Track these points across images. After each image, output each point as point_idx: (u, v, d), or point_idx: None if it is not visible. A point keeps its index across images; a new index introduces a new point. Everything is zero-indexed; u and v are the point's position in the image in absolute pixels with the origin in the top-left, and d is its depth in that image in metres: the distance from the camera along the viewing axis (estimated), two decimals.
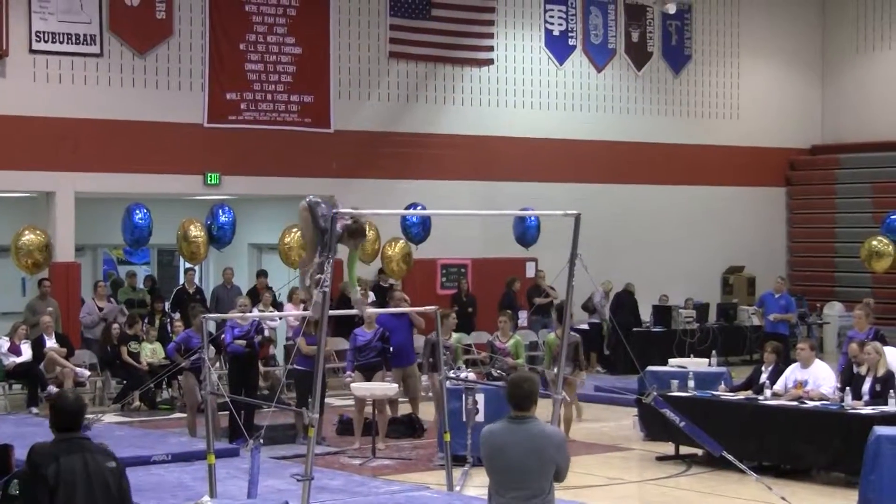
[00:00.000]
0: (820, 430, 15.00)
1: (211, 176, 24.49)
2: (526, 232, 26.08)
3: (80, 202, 23.47)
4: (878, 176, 31.33)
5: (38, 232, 21.75)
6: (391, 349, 18.09)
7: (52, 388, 20.94)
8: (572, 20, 29.15)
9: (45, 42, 22.86)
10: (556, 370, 14.15)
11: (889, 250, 27.99)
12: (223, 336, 17.69)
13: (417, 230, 25.00)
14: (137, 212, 22.59)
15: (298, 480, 11.37)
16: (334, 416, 19.00)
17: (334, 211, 11.78)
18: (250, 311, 18.65)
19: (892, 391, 15.02)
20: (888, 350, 15.73)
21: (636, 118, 30.00)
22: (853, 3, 32.65)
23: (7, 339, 20.95)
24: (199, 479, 13.61)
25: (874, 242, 28.15)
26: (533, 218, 25.54)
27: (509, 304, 24.46)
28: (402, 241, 25.03)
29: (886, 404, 14.87)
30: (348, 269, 12.69)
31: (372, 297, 23.54)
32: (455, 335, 18.55)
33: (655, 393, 14.46)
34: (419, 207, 23.85)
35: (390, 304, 20.93)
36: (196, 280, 25.06)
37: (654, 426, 16.53)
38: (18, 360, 20.77)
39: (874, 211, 30.61)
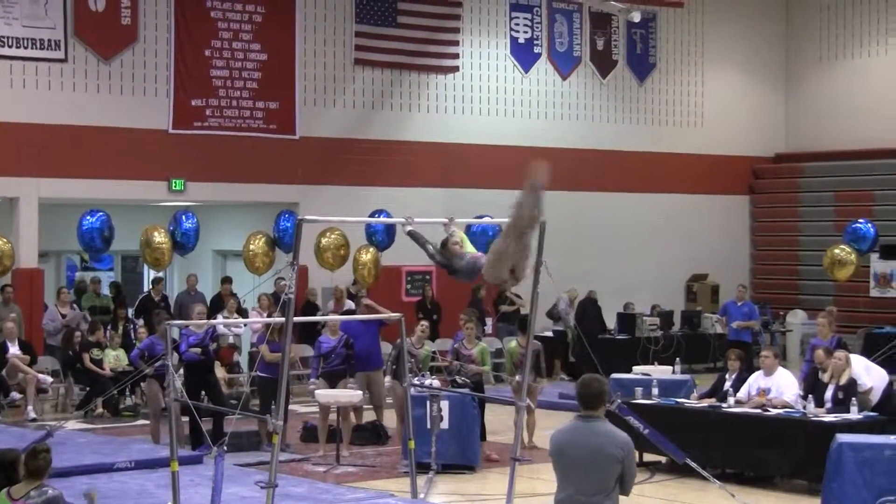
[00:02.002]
0: (783, 438, 15.05)
1: (176, 182, 24.43)
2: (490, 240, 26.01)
3: (43, 208, 23.37)
4: (841, 185, 31.50)
5: (2, 239, 21.59)
6: (353, 354, 18.13)
7: (15, 395, 20.88)
8: (537, 28, 29.21)
9: (9, 47, 22.76)
10: (518, 378, 14.15)
11: (851, 259, 28.11)
12: (179, 344, 17.64)
13: (382, 237, 24.95)
14: (89, 217, 22.42)
15: (262, 488, 11.32)
16: (299, 423, 18.95)
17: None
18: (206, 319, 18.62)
19: (853, 399, 15.10)
20: (853, 358, 15.77)
21: (601, 126, 30.07)
22: (815, 14, 32.82)
23: None
24: (163, 487, 13.53)
25: (837, 251, 28.26)
26: (494, 225, 25.47)
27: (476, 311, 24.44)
28: (373, 248, 24.99)
29: (849, 412, 14.93)
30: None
31: (350, 304, 23.49)
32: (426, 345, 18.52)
33: (619, 400, 14.45)
34: (384, 215, 23.80)
35: (358, 311, 20.99)
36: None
37: None
38: None
39: (837, 219, 30.76)
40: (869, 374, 15.68)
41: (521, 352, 16.53)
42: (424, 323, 18.86)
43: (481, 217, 23.55)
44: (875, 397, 15.31)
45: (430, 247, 11.62)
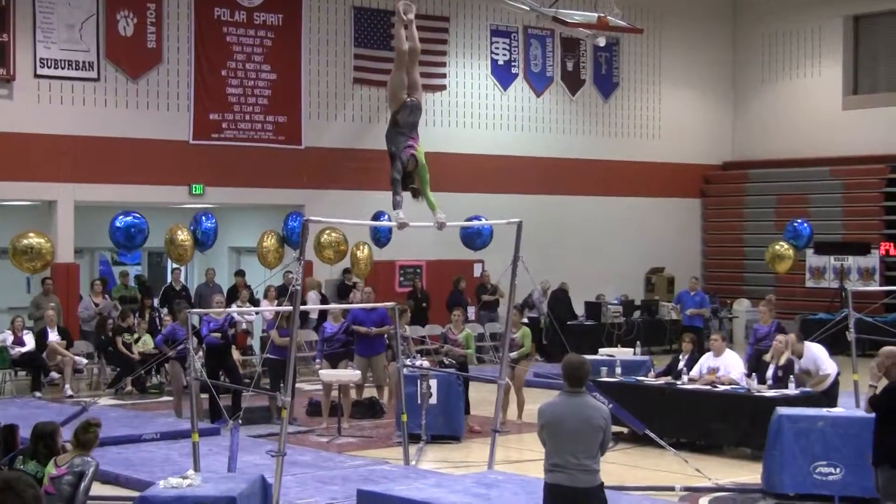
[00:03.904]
0: (730, 411, 15.09)
1: (195, 187, 24.39)
2: (476, 237, 25.97)
3: (79, 210, 23.32)
4: (781, 189, 31.55)
5: (43, 237, 21.51)
6: (354, 340, 18.17)
7: (54, 375, 20.86)
8: (515, 51, 29.20)
9: (49, 68, 22.70)
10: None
11: (789, 254, 28.16)
12: (199, 329, 17.63)
13: (385, 236, 24.98)
14: (121, 217, 22.32)
15: (272, 456, 11.31)
16: (304, 399, 18.95)
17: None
18: (225, 308, 18.61)
19: (791, 377, 15.13)
20: (815, 346, 15.66)
21: (571, 137, 30.08)
22: (758, 41, 32.86)
23: (10, 332, 20.81)
24: (185, 456, 13.53)
25: (777, 247, 28.30)
26: (486, 225, 25.49)
27: (457, 300, 24.44)
28: (367, 245, 24.95)
29: (787, 388, 14.97)
30: (425, 194, 12.03)
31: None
32: (408, 328, 18.56)
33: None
34: (384, 217, 23.62)
35: (353, 299, 21.01)
36: (182, 279, 24.91)
37: None
38: (23, 349, 20.62)
39: (777, 220, 30.84)
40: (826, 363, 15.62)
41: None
42: (407, 309, 18.95)
43: (471, 219, 23.56)
44: (828, 384, 15.28)
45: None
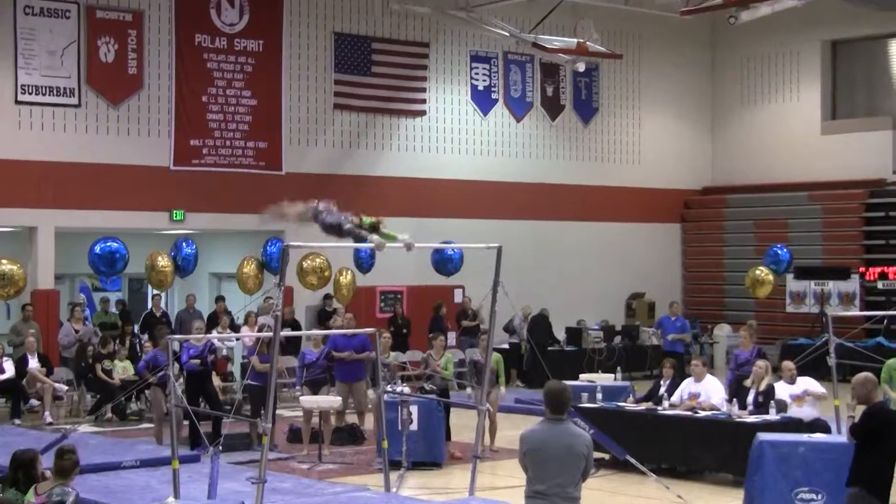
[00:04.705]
0: (711, 437, 15.10)
1: (176, 213, 24.35)
2: (448, 262, 25.97)
3: (59, 236, 23.26)
4: (760, 214, 31.65)
5: (15, 263, 21.42)
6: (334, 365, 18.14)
7: (34, 402, 20.76)
8: (494, 76, 29.27)
9: (30, 94, 22.67)
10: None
11: (769, 279, 28.25)
12: (180, 356, 17.57)
13: (367, 261, 24.94)
14: (99, 243, 22.28)
15: (253, 483, 11.29)
16: (285, 425, 18.89)
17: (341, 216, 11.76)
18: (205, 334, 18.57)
19: (772, 402, 15.16)
20: (806, 380, 15.72)
21: (550, 162, 30.12)
22: (737, 65, 33.01)
23: None
24: (165, 483, 13.46)
25: (757, 272, 28.38)
26: (457, 250, 25.50)
27: (437, 326, 24.44)
28: (350, 271, 24.92)
29: (768, 413, 15.00)
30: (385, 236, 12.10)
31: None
32: (392, 354, 18.56)
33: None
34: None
35: (334, 325, 20.95)
36: (162, 304, 24.85)
37: None
38: (2, 377, 20.51)
39: (757, 244, 30.89)
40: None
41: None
42: (386, 333, 18.94)
43: (446, 243, 23.61)
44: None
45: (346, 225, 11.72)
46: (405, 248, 12.11)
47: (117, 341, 22.22)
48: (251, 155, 25.20)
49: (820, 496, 12.57)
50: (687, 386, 16.13)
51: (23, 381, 20.56)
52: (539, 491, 8.18)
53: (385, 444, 14.05)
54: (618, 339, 28.06)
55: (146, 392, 19.70)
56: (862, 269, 28.86)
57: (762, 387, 15.50)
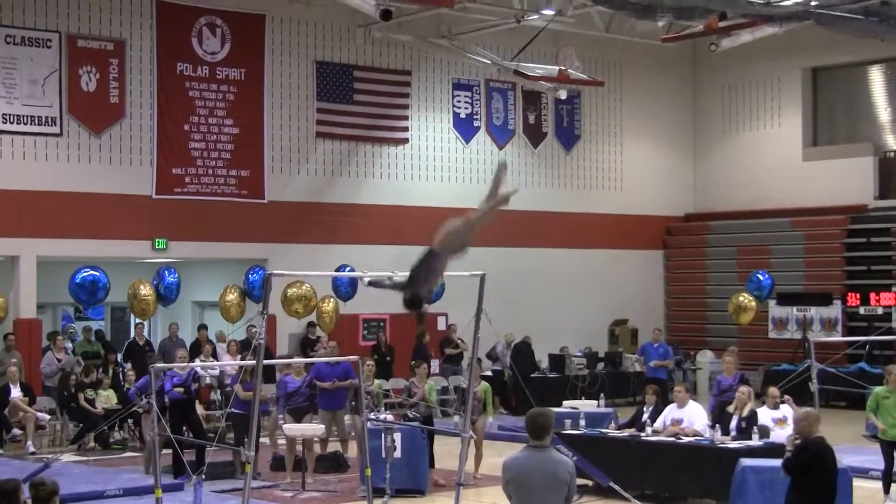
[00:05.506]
0: (694, 463, 15.13)
1: (159, 241, 24.37)
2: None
3: (41, 265, 23.25)
4: (743, 240, 31.76)
5: None
6: (317, 394, 18.15)
7: (16, 431, 20.70)
8: (477, 104, 29.38)
9: (11, 123, 22.72)
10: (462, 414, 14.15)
11: (752, 305, 28.35)
12: (163, 385, 17.56)
13: (346, 289, 24.91)
14: (81, 273, 22.28)
15: None
16: (268, 453, 18.88)
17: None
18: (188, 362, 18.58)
19: (755, 428, 15.22)
20: (784, 407, 15.82)
21: (533, 189, 30.18)
22: (718, 93, 33.20)
23: None
24: None
25: (740, 298, 28.49)
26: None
27: (421, 354, 24.43)
28: (333, 299, 24.94)
29: (751, 439, 15.05)
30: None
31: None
32: (376, 381, 18.59)
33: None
34: (348, 269, 23.66)
35: (319, 353, 20.94)
36: (145, 333, 24.82)
37: None
38: None
39: (739, 271, 31.00)
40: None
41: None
42: (369, 362, 18.95)
43: None
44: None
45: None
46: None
47: (100, 370, 22.19)
48: (233, 183, 25.24)
49: None
50: (670, 412, 16.17)
51: (5, 410, 20.50)
52: None
53: (368, 471, 14.06)
54: (601, 365, 28.10)
55: (129, 421, 19.66)
56: (844, 295, 28.98)
57: (745, 412, 15.56)
